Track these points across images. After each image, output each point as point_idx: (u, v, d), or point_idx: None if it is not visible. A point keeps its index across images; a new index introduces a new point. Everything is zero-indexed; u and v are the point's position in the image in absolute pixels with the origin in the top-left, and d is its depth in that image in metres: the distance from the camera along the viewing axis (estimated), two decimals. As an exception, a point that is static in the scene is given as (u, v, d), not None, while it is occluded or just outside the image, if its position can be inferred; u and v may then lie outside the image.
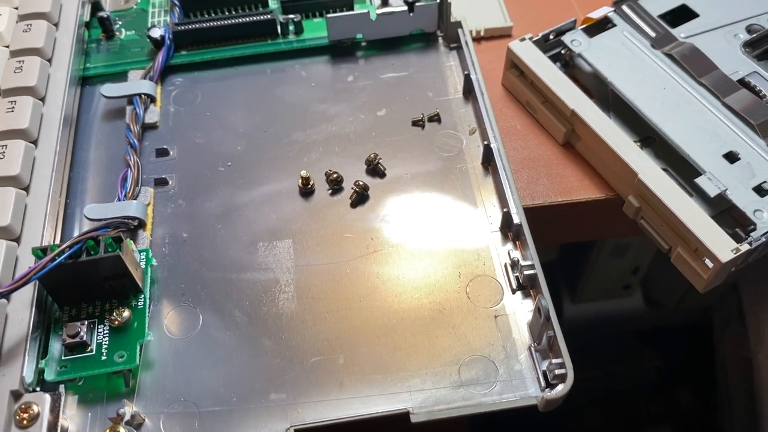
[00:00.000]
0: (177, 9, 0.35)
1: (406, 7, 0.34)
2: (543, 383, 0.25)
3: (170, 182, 0.31)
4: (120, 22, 0.36)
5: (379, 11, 0.34)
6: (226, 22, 0.35)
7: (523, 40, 0.32)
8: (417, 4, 0.34)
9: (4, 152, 0.28)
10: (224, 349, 0.26)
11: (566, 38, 0.33)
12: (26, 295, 0.26)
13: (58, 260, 0.24)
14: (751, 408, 0.53)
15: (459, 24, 0.34)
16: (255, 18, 0.35)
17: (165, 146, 0.32)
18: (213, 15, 0.36)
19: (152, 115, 0.33)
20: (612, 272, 0.64)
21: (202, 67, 0.35)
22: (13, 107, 0.29)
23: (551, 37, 0.33)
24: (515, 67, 0.33)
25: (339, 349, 0.26)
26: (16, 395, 0.24)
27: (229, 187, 0.31)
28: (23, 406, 0.24)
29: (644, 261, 0.63)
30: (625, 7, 0.34)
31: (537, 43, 0.33)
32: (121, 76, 0.34)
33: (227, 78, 0.35)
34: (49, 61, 0.32)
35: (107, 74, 0.35)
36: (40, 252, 0.25)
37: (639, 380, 0.74)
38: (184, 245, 0.29)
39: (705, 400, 0.69)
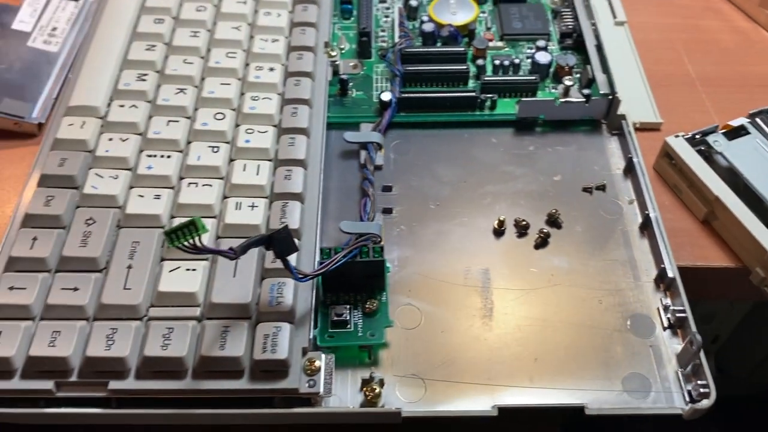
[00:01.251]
0: (398, 79, 0.46)
1: (584, 99, 0.43)
2: (687, 398, 0.33)
3: (394, 212, 0.41)
4: (351, 83, 0.47)
5: (562, 99, 0.44)
6: (438, 95, 0.45)
7: (677, 136, 0.41)
8: (592, 98, 0.43)
9: (290, 175, 0.38)
10: (442, 341, 0.35)
11: (710, 138, 0.42)
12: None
13: (345, 258, 0.34)
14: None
15: (623, 117, 0.43)
16: (460, 94, 0.45)
17: (389, 184, 0.42)
18: (426, 87, 0.46)
19: (379, 159, 0.43)
20: (696, 337, 0.70)
21: (416, 127, 0.45)
22: (294, 142, 0.40)
23: (698, 136, 0.42)
24: (667, 155, 0.42)
25: (530, 352, 0.35)
26: (303, 351, 0.33)
27: (438, 221, 0.40)
28: (310, 359, 0.33)
29: (725, 332, 0.69)
30: (758, 119, 0.43)
31: (687, 139, 0.41)
32: (352, 126, 0.44)
33: (434, 137, 0.44)
34: (312, 108, 0.43)
35: (341, 123, 0.45)
36: (327, 251, 0.35)
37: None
38: (408, 260, 0.38)
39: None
